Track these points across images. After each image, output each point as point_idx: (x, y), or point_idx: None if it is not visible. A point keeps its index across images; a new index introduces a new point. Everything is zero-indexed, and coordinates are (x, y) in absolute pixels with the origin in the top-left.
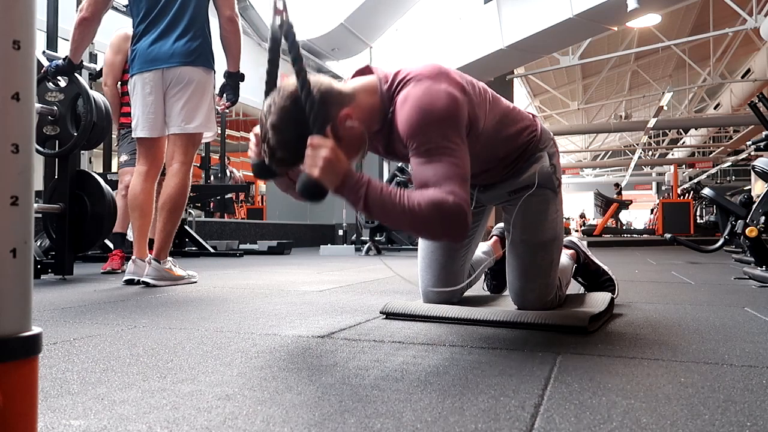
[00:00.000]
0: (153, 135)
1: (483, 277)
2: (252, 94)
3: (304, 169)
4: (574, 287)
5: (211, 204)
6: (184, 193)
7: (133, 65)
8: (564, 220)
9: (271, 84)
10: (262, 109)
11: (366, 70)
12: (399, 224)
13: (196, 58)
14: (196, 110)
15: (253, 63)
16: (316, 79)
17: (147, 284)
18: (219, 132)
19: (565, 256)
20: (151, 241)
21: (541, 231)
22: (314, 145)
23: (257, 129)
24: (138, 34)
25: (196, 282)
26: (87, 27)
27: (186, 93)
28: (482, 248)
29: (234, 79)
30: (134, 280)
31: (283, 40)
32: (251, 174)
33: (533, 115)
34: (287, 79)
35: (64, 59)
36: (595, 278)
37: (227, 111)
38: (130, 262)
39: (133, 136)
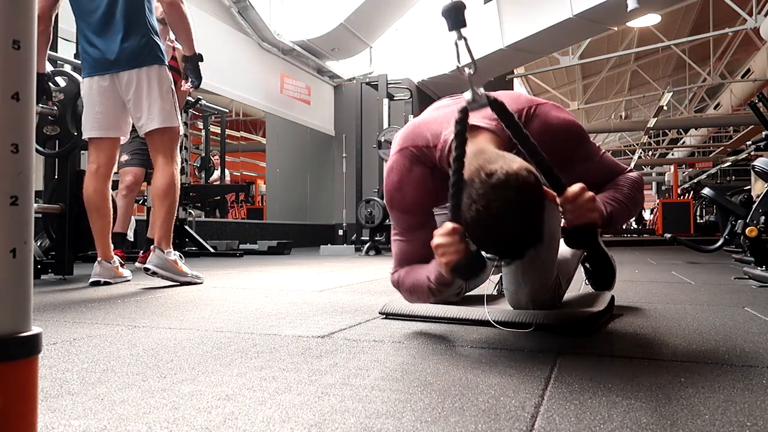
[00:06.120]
0: (101, 135)
1: (497, 283)
2: (252, 94)
3: (570, 222)
4: (574, 287)
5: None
6: (172, 183)
7: (83, 67)
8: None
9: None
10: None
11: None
12: (631, 213)
13: (144, 58)
14: (157, 107)
15: (252, 63)
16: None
17: (148, 270)
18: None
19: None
20: (150, 241)
21: None
22: (575, 193)
23: (449, 228)
24: (83, 36)
25: (201, 283)
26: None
27: (142, 92)
28: None
29: (192, 61)
30: (100, 281)
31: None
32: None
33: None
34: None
35: None
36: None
37: (191, 96)
38: (96, 263)
39: (84, 137)
